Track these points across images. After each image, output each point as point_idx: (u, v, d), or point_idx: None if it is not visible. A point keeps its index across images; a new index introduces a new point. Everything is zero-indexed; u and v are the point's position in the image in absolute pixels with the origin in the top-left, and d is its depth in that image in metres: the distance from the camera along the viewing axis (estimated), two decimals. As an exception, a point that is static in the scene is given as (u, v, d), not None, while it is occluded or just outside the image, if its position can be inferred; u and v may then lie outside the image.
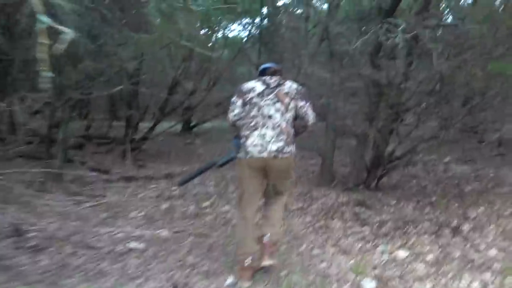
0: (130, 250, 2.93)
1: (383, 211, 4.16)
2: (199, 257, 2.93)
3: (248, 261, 2.45)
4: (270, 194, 2.64)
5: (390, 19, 4.34)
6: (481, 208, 4.04)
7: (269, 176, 2.51)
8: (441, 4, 5.90)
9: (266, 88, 2.51)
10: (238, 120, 2.56)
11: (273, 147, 2.40)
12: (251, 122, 2.47)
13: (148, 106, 9.06)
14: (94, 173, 5.86)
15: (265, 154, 2.39)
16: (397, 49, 4.59)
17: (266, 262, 2.54)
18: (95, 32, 3.50)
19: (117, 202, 4.32)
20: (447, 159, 6.77)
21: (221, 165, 2.83)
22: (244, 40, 11.75)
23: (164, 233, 3.32)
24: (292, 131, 2.52)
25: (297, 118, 2.58)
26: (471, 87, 3.86)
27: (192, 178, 3.18)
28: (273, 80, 2.55)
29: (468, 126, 5.41)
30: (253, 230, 2.55)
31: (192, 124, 12.60)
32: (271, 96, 2.49)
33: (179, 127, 13.07)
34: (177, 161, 7.56)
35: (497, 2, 4.62)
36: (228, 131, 11.51)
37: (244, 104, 2.53)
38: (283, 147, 2.43)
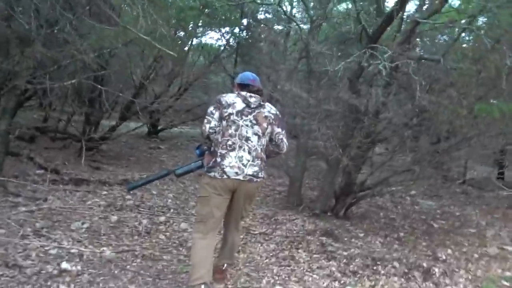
0: (62, 272, 2.49)
1: (351, 244, 3.92)
2: (145, 285, 2.54)
3: None
4: (233, 219, 2.57)
5: (374, 45, 4.21)
6: (450, 250, 3.90)
7: (237, 199, 2.44)
8: (423, 38, 5.90)
9: (246, 107, 2.42)
10: (213, 133, 2.41)
11: (249, 171, 2.36)
12: (227, 141, 2.37)
13: (116, 104, 8.51)
14: (41, 171, 5.30)
15: (240, 177, 2.33)
16: (378, 76, 4.46)
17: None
18: (52, 17, 3.09)
19: (60, 208, 3.82)
20: (412, 192, 6.72)
21: (180, 175, 2.63)
22: (221, 49, 11.48)
23: (107, 252, 2.89)
24: (264, 156, 2.48)
25: (271, 143, 2.53)
26: (452, 124, 3.73)
27: (144, 184, 2.93)
28: (253, 100, 2.45)
29: (435, 161, 5.35)
30: (212, 254, 2.45)
31: (159, 128, 12.09)
32: (250, 117, 2.41)
33: (145, 129, 12.53)
34: (137, 166, 7.07)
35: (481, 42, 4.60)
36: (195, 140, 11.13)
37: (221, 118, 2.40)
38: (257, 172, 2.39)
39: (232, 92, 2.59)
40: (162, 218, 4.00)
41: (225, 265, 2.62)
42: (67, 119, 9.14)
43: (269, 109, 2.50)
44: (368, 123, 4.31)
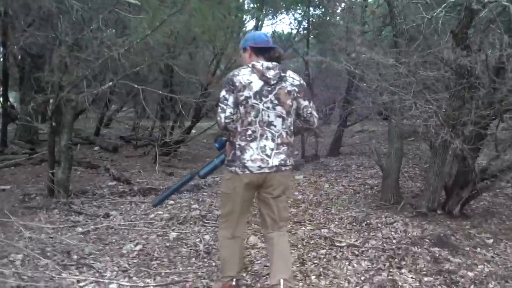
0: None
1: (476, 256, 2.85)
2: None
3: (231, 284, 2.18)
4: (269, 218, 2.17)
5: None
6: None
7: (266, 192, 2.12)
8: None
9: (264, 85, 2.04)
10: (230, 123, 2.05)
11: (275, 161, 2.06)
12: (247, 131, 2.04)
13: (186, 105, 8.29)
14: (113, 183, 5.15)
15: (266, 170, 2.05)
16: (498, 22, 3.23)
17: None
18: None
19: (118, 226, 3.45)
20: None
21: (205, 175, 2.32)
22: (293, 33, 10.62)
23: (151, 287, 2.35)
24: (292, 140, 2.16)
25: (299, 119, 2.17)
26: None
27: (168, 195, 2.69)
28: (273, 73, 2.04)
29: None
30: (241, 249, 2.27)
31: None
32: (271, 97, 2.04)
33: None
34: (212, 168, 6.66)
35: None
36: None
37: (236, 103, 2.03)
38: (285, 160, 2.09)
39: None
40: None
41: (282, 281, 2.06)
42: (151, 126, 9.24)
43: (292, 80, 2.11)
44: (488, 89, 3.14)
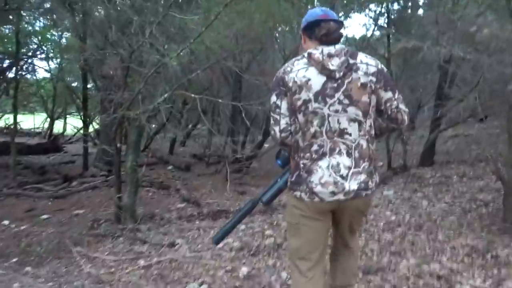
0: None
1: None
2: None
3: None
4: (340, 239, 1.79)
5: None
6: None
7: (341, 220, 1.70)
8: None
9: (327, 81, 1.51)
10: (288, 137, 1.60)
11: (352, 184, 1.53)
12: (311, 145, 1.55)
13: (256, 117, 7.91)
14: (182, 205, 4.85)
15: (340, 196, 1.54)
16: None
17: None
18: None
19: (183, 259, 3.04)
20: None
21: (269, 202, 1.83)
22: (369, 34, 9.73)
23: None
24: (374, 148, 1.60)
25: (380, 117, 1.64)
26: None
27: (229, 230, 2.11)
28: (337, 62, 1.51)
29: None
30: None
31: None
32: (338, 95, 1.51)
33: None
34: (287, 184, 6.10)
35: None
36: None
37: (293, 110, 1.56)
38: (366, 182, 1.56)
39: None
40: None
41: None
42: (224, 142, 8.98)
43: (366, 68, 1.54)
44: None
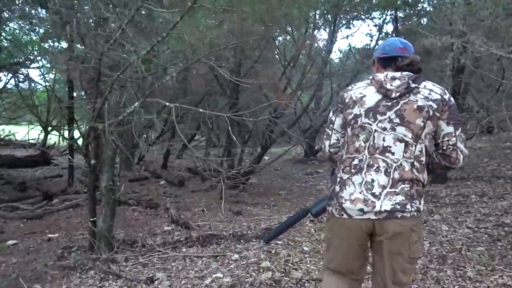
0: None
1: None
2: None
3: None
4: (379, 277, 1.53)
5: None
6: None
7: (377, 250, 1.51)
8: None
9: (382, 100, 1.50)
10: (336, 152, 1.63)
11: (385, 204, 1.44)
12: (353, 160, 1.52)
13: (254, 130, 7.39)
14: (169, 227, 4.31)
15: (371, 216, 1.45)
16: None
17: None
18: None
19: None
20: None
21: (318, 214, 1.80)
22: (372, 43, 9.29)
23: None
24: (422, 177, 1.48)
25: (436, 151, 1.54)
26: None
27: (280, 231, 2.21)
28: (397, 84, 1.47)
29: None
30: None
31: (317, 147, 10.60)
32: (390, 114, 1.47)
33: (300, 152, 11.27)
34: (287, 203, 5.57)
35: None
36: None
37: (344, 125, 1.59)
38: (403, 204, 1.44)
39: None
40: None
41: None
42: (221, 155, 8.46)
43: (428, 93, 1.47)
44: None
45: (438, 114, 1.46)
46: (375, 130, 1.48)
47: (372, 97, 1.52)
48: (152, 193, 6.43)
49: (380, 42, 10.05)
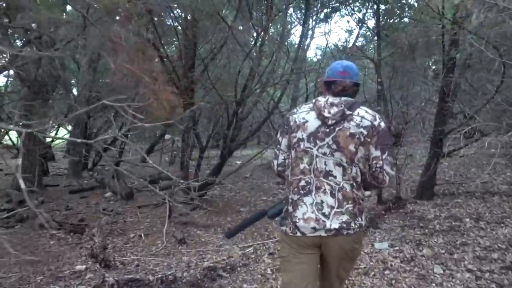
0: None
1: None
2: None
3: None
4: (327, 282, 1.82)
5: None
6: None
7: (326, 258, 1.73)
8: None
9: (321, 126, 1.67)
10: (283, 170, 1.81)
11: (334, 223, 1.64)
12: (299, 181, 1.69)
13: (219, 135, 6.42)
14: (83, 267, 3.29)
15: (322, 233, 1.65)
16: None
17: None
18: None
19: None
20: None
21: (273, 216, 1.88)
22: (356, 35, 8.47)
23: None
24: (360, 194, 1.69)
25: (369, 171, 1.70)
26: None
27: (241, 229, 2.28)
28: (333, 112, 1.65)
29: None
30: None
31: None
32: (328, 140, 1.66)
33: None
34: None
35: None
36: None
37: (289, 146, 1.76)
38: (349, 223, 1.64)
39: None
40: None
41: None
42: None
43: (360, 120, 1.63)
44: None
45: (368, 139, 1.62)
46: (317, 156, 1.65)
47: (313, 123, 1.67)
48: (89, 210, 5.38)
49: (360, 38, 9.28)
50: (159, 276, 2.95)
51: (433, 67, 8.93)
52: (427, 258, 3.18)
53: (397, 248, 3.46)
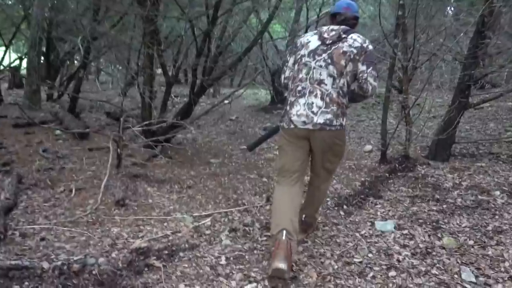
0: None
1: None
2: None
3: (281, 236, 1.98)
4: (314, 170, 2.33)
5: None
6: None
7: (314, 150, 2.21)
8: None
9: (320, 45, 2.15)
10: (289, 82, 2.25)
11: (320, 119, 2.09)
12: (297, 87, 2.16)
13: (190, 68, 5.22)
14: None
15: (309, 126, 2.10)
16: None
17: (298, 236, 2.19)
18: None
19: None
20: None
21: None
22: None
23: None
24: (345, 101, 2.14)
25: (356, 84, 2.15)
26: None
27: (261, 141, 2.94)
28: (331, 34, 2.15)
29: None
30: (293, 204, 2.15)
31: (286, 94, 8.60)
32: (324, 56, 2.12)
33: (266, 97, 9.33)
34: (212, 183, 3.66)
35: None
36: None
37: (294, 62, 2.23)
38: (331, 120, 2.09)
39: None
40: None
41: (304, 216, 2.39)
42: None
43: (352, 42, 2.11)
44: None
45: (357, 57, 2.07)
46: (314, 67, 2.12)
47: (314, 43, 2.16)
48: (25, 151, 4.37)
49: None
50: (58, 263, 2.00)
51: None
52: (450, 252, 2.24)
53: (406, 232, 2.52)
